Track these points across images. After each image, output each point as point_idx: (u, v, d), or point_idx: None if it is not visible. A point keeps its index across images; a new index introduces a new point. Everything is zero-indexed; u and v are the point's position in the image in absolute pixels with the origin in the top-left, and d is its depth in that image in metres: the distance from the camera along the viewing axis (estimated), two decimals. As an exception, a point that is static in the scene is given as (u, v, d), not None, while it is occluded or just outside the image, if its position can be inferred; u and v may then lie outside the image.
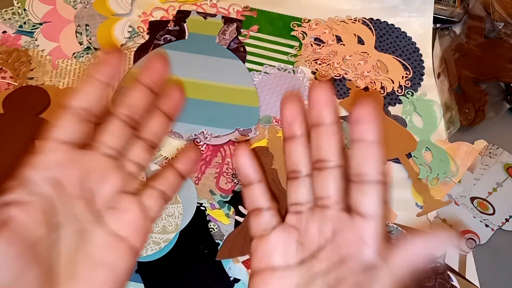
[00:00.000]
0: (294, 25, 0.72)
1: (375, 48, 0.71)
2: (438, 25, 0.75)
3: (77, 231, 0.27)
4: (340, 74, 0.68)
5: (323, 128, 0.28)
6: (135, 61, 0.65)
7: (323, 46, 0.70)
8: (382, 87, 0.67)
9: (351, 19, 0.73)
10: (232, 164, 0.58)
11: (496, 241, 0.56)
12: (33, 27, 0.66)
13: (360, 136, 0.27)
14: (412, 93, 0.67)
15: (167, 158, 0.57)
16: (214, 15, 0.71)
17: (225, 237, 0.52)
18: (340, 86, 0.66)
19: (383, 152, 0.27)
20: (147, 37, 0.68)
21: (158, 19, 0.70)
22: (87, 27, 0.67)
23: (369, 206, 0.26)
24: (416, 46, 0.72)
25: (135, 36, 0.68)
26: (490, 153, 0.62)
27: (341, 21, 0.73)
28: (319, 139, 0.28)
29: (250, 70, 0.66)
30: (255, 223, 0.30)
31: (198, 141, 0.59)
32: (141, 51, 0.66)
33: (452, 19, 0.74)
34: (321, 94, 0.29)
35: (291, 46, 0.70)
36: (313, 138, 0.29)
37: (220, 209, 0.54)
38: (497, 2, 0.71)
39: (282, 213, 0.30)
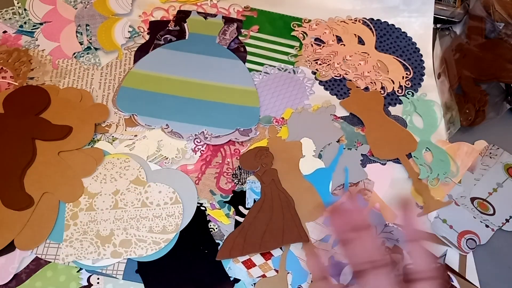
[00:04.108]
0: (294, 25, 0.72)
1: (376, 48, 0.71)
2: (438, 26, 0.75)
3: None
4: (340, 74, 0.68)
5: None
6: (135, 61, 0.65)
7: (323, 46, 0.70)
8: (382, 87, 0.67)
9: (351, 19, 0.73)
10: (232, 164, 0.58)
11: (496, 241, 0.56)
12: (34, 27, 0.67)
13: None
14: (413, 93, 0.67)
15: (167, 158, 0.57)
16: (214, 15, 0.71)
17: (225, 237, 0.52)
18: (340, 87, 0.66)
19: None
20: (147, 37, 0.68)
21: (159, 19, 0.70)
22: (88, 27, 0.67)
23: None
24: (417, 46, 0.72)
25: (135, 36, 0.68)
26: (490, 153, 0.62)
27: (341, 21, 0.73)
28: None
29: (250, 70, 0.66)
30: None
31: (198, 141, 0.59)
32: (142, 51, 0.66)
33: (453, 20, 0.74)
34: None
35: (292, 46, 0.70)
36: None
37: (220, 209, 0.54)
38: (497, 2, 0.71)
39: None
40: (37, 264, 0.49)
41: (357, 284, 0.34)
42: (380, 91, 0.66)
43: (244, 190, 0.56)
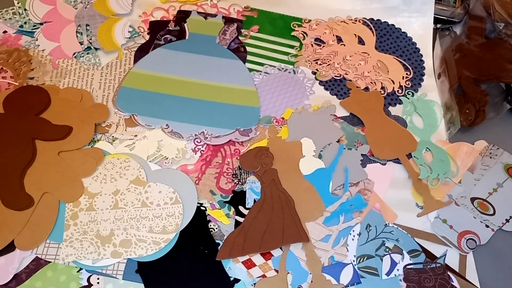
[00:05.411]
0: (294, 25, 0.72)
1: (376, 48, 0.71)
2: (438, 26, 0.75)
3: None
4: (340, 75, 0.68)
5: None
6: (135, 61, 0.65)
7: (323, 46, 0.70)
8: (382, 88, 0.67)
9: (351, 19, 0.73)
10: (232, 164, 0.58)
11: (496, 241, 0.56)
12: (34, 27, 0.67)
13: None
14: (413, 93, 0.67)
15: (167, 158, 0.57)
16: (214, 15, 0.71)
17: (225, 237, 0.52)
18: (340, 87, 0.66)
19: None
20: (147, 37, 0.68)
21: (159, 19, 0.70)
22: (88, 27, 0.67)
23: None
24: (417, 46, 0.72)
25: (135, 36, 0.68)
26: (490, 153, 0.62)
27: (341, 21, 0.73)
28: None
29: (250, 70, 0.66)
30: None
31: (198, 141, 0.59)
32: (142, 51, 0.66)
33: (453, 20, 0.74)
34: None
35: (292, 46, 0.70)
36: None
37: (220, 209, 0.54)
38: (497, 2, 0.71)
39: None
40: (37, 264, 0.49)
41: None
42: (380, 91, 0.66)
43: (244, 190, 0.56)
